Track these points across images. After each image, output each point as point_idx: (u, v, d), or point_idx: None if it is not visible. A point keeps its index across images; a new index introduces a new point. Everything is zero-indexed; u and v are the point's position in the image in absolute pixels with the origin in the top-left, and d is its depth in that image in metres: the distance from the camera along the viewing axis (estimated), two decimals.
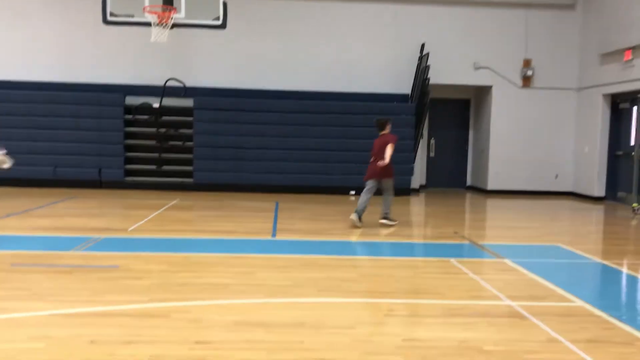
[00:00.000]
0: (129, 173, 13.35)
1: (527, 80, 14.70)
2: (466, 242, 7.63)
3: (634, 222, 10.51)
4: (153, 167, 13.35)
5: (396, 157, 13.54)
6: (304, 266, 5.93)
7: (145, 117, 13.32)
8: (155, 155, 13.34)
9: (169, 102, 13.33)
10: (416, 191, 14.46)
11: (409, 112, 13.62)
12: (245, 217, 9.41)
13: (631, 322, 4.34)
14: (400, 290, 5.14)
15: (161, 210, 9.93)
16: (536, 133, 14.74)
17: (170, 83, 13.15)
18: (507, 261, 6.41)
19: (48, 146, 12.89)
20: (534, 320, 4.33)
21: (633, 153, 12.91)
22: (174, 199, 11.53)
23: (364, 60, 14.10)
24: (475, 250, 7.11)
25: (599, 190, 13.89)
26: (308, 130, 13.30)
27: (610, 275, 6.18)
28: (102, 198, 11.51)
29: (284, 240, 7.42)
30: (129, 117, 13.28)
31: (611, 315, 4.49)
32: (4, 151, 5.56)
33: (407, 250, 7.13)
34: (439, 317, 4.37)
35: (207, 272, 5.58)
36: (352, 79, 14.01)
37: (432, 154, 15.97)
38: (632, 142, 13.02)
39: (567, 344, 3.84)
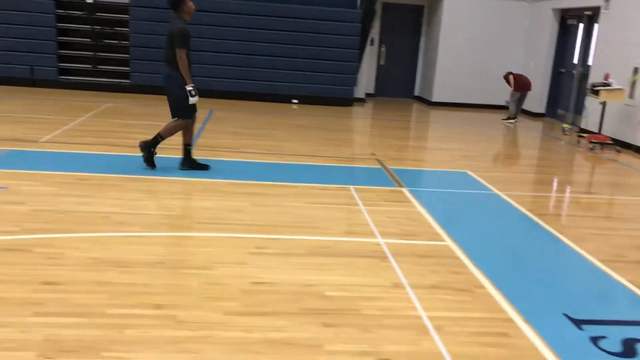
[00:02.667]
0: (64, 72, 12.96)
1: None
2: (377, 166, 7.73)
3: (562, 143, 10.73)
4: (89, 66, 12.95)
5: (339, 67, 13.41)
6: (201, 192, 5.99)
7: (79, 13, 12.73)
8: (91, 54, 12.91)
9: None
10: (362, 100, 14.40)
11: (354, 19, 13.24)
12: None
13: (484, 264, 4.54)
14: (282, 223, 5.25)
15: (86, 116, 9.77)
16: (486, 45, 14.55)
17: None
18: (405, 191, 6.55)
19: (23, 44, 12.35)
20: (392, 262, 4.50)
21: (574, 71, 12.92)
22: (107, 103, 11.32)
23: None
24: (380, 177, 7.19)
25: (540, 106, 14.01)
26: (249, 34, 12.92)
27: (498, 211, 6.37)
28: (30, 98, 11.24)
29: (196, 159, 7.39)
30: (61, 12, 12.68)
31: (469, 256, 4.70)
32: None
33: (314, 174, 7.12)
34: (301, 257, 4.51)
35: (97, 197, 5.59)
36: None
37: (381, 62, 15.73)
38: (575, 60, 12.99)
39: (409, 289, 4.03)
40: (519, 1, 14.44)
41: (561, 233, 5.49)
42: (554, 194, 7.10)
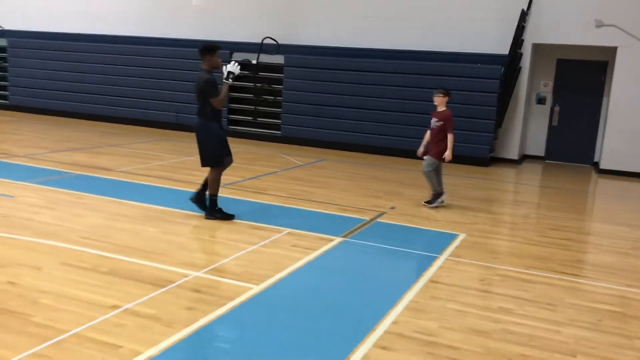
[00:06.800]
0: (233, 123, 14.96)
1: None
2: (367, 217, 7.29)
3: None
4: (249, 118, 14.75)
5: (474, 125, 12.54)
6: (145, 219, 6.62)
7: (246, 72, 14.67)
8: (252, 107, 14.70)
9: (265, 59, 14.47)
10: (514, 162, 13.26)
11: (494, 75, 12.41)
12: (247, 170, 10.03)
13: (240, 314, 4.24)
14: (140, 248, 5.54)
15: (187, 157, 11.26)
16: None
17: (266, 41, 14.24)
18: (339, 240, 6.20)
19: (170, 95, 15.20)
20: (159, 291, 4.53)
21: None
22: (239, 149, 12.76)
23: (462, 15, 13.19)
24: (342, 226, 6.75)
25: None
26: (383, 91, 13.16)
27: (393, 275, 5.57)
28: (185, 143, 13.32)
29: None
30: None
31: (244, 302, 4.41)
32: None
33: (278, 217, 7.02)
34: (85, 271, 4.85)
35: (60, 210, 6.70)
36: (449, 36, 13.27)
37: (554, 123, 14.20)
38: None
39: (115, 312, 4.09)
40: None
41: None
42: None
